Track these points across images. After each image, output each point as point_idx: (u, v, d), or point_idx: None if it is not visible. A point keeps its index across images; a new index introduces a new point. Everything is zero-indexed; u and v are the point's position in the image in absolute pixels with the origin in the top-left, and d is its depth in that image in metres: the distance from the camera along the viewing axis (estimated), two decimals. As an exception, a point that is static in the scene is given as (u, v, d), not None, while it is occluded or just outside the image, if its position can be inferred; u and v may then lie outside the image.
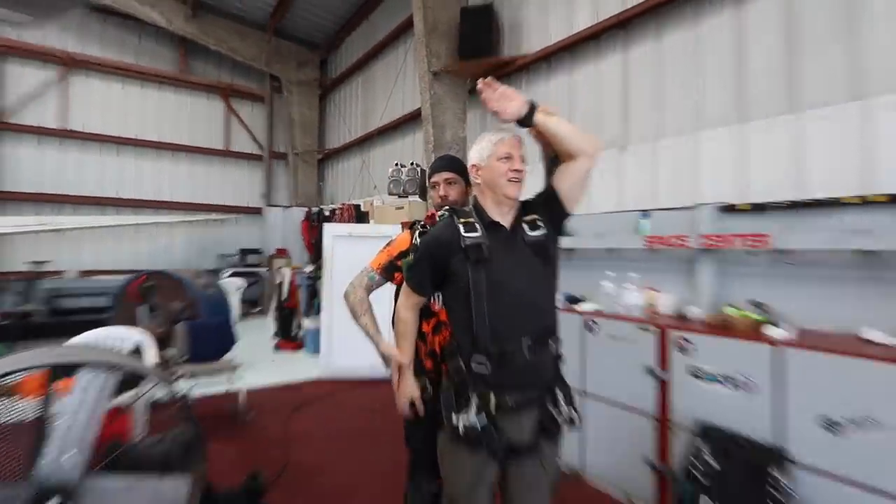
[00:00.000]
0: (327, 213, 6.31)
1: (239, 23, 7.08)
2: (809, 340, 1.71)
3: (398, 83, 5.79)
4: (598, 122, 3.13)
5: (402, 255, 1.37)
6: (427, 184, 1.42)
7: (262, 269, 7.40)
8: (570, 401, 1.17)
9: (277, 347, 5.16)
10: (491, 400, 1.10)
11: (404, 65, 5.64)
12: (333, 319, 4.03)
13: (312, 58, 7.89)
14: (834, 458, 1.51)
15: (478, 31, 3.89)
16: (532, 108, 1.11)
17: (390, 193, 4.86)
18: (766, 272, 2.15)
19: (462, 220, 1.18)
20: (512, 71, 3.79)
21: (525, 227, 1.18)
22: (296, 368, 4.30)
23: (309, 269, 5.58)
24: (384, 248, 1.42)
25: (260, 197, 8.29)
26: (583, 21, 3.23)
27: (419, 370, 1.29)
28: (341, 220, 5.57)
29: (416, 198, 4.61)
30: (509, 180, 1.16)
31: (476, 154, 1.21)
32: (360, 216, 5.59)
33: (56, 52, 6.38)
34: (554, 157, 1.19)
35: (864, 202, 1.85)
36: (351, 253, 4.08)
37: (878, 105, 1.91)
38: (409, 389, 1.24)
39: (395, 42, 5.85)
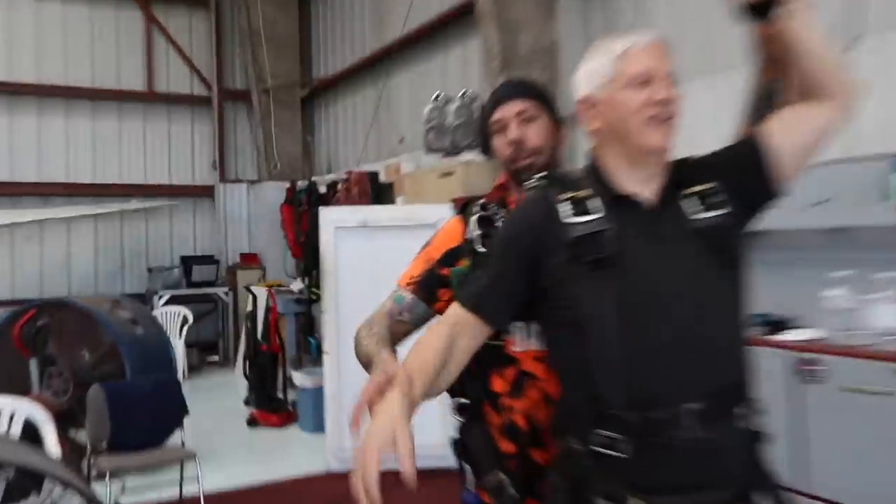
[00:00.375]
0: (323, 190, 6.57)
1: None
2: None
3: None
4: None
5: (450, 257, 1.42)
6: (489, 128, 1.51)
7: (221, 290, 7.65)
8: None
9: (253, 421, 5.46)
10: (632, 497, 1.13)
11: None
12: (343, 370, 4.28)
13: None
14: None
15: None
16: None
17: (429, 150, 5.07)
18: None
19: (566, 194, 1.23)
20: None
21: (689, 203, 1.22)
22: (286, 458, 4.50)
23: (297, 286, 5.88)
24: (421, 250, 1.51)
25: (209, 168, 8.71)
26: None
27: (491, 456, 1.35)
28: (348, 201, 5.84)
29: (476, 154, 4.75)
30: (650, 120, 1.18)
31: (587, 78, 1.25)
32: (381, 191, 5.82)
33: None
34: (768, 94, 1.24)
35: None
36: (368, 256, 4.32)
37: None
38: (387, 428, 1.04)
39: None
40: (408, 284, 1.46)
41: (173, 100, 8.77)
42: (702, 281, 1.21)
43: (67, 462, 2.64)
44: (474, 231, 1.39)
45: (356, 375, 4.00)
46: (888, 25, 2.98)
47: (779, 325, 2.71)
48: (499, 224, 1.36)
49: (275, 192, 7.98)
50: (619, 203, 1.22)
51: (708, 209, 1.22)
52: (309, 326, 5.45)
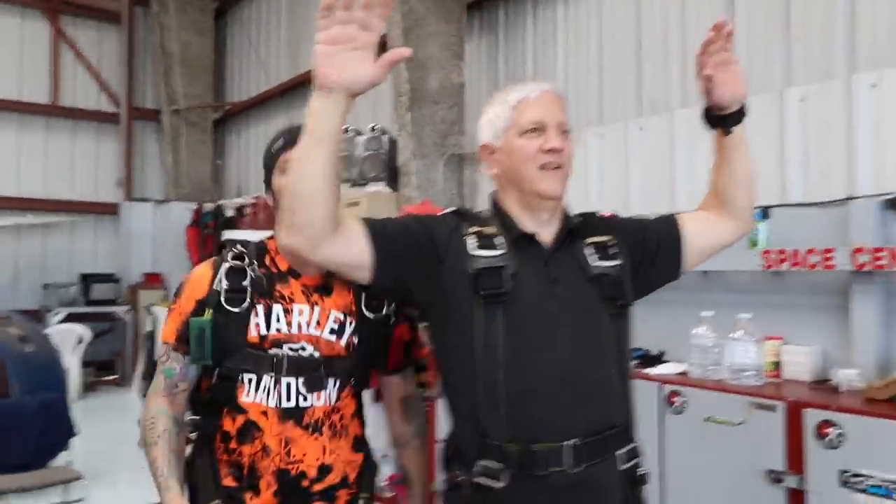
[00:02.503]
0: (231, 214, 6.35)
1: None
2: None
3: None
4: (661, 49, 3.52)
5: (199, 309, 1.26)
6: (274, 163, 1.38)
7: (121, 309, 7.29)
8: None
9: None
10: None
11: None
12: None
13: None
14: None
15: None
16: (745, 109, 1.21)
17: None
18: None
19: (474, 227, 1.18)
20: None
21: (588, 250, 1.21)
22: None
23: None
24: (174, 300, 1.35)
25: (114, 185, 8.15)
26: None
27: (211, 486, 1.24)
28: (255, 225, 5.60)
29: (382, 185, 4.65)
30: (542, 168, 1.16)
31: (486, 126, 1.23)
32: None
33: None
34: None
35: None
36: None
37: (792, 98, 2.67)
38: None
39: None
40: (173, 339, 1.28)
41: (79, 115, 8.26)
42: (590, 324, 1.19)
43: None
44: (222, 283, 1.23)
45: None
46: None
47: (650, 358, 2.76)
48: (250, 277, 1.22)
49: (181, 212, 7.46)
50: (520, 243, 1.19)
51: (603, 259, 1.22)
52: (213, 347, 4.90)
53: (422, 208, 3.91)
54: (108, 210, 8.07)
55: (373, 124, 4.87)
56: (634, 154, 3.44)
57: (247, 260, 1.28)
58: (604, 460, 1.14)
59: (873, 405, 2.10)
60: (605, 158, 3.61)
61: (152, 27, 7.95)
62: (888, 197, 2.43)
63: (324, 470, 1.25)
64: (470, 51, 4.56)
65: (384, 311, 1.29)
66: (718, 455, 2.26)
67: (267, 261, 1.28)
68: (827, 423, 2.01)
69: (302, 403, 1.22)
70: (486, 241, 1.18)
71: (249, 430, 1.24)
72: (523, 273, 1.16)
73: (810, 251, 2.50)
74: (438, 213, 1.29)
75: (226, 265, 1.27)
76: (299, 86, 6.61)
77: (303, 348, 1.23)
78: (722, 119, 1.19)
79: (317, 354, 1.25)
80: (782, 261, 2.59)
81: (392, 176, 4.81)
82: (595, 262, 1.21)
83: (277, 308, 1.22)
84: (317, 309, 1.24)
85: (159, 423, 1.27)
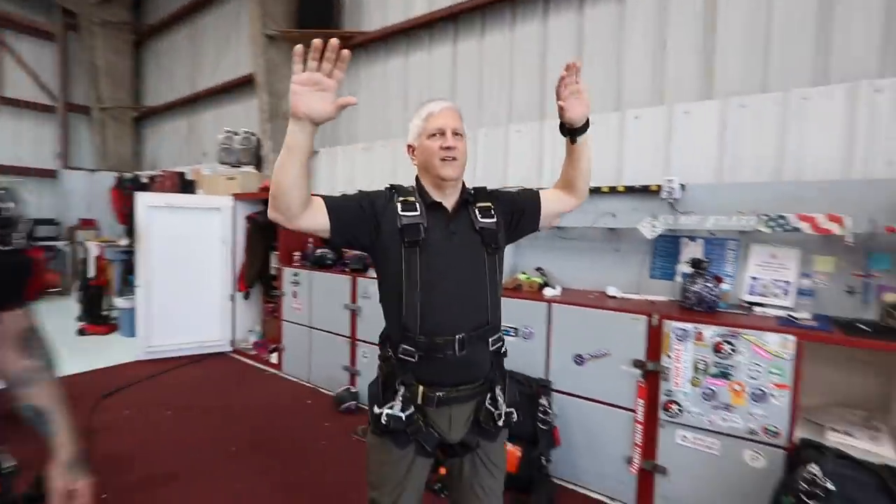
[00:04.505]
0: (144, 181, 6.36)
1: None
2: (570, 297, 2.51)
3: (232, 42, 6.14)
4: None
5: None
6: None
7: (61, 243, 7.20)
8: (511, 398, 1.25)
9: (83, 332, 5.32)
10: (419, 391, 1.17)
11: (237, 23, 6.01)
12: (152, 296, 4.51)
13: (120, -6, 7.94)
14: (579, 383, 2.34)
15: (318, -2, 4.43)
16: (588, 123, 1.19)
17: (221, 162, 5.11)
18: (547, 245, 2.99)
19: (401, 198, 1.21)
20: (352, 46, 4.27)
21: (476, 211, 1.24)
22: (108, 353, 4.50)
23: (124, 241, 5.76)
24: None
25: (53, 157, 7.92)
26: (419, 8, 3.97)
27: None
28: (162, 189, 5.79)
29: (251, 168, 5.10)
30: (442, 160, 1.19)
31: (411, 131, 1.25)
32: (187, 185, 5.88)
33: None
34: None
35: (613, 191, 2.71)
36: (171, 226, 4.46)
37: (628, 117, 2.85)
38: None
39: (227, -5, 6.42)
40: None
41: (22, 105, 7.71)
42: (474, 261, 1.21)
43: None
44: None
45: (161, 297, 4.19)
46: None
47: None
48: None
49: (108, 179, 7.35)
50: (431, 208, 1.22)
51: (485, 218, 1.24)
52: (130, 269, 5.31)
53: None
54: (48, 175, 7.76)
55: (245, 129, 5.27)
56: (510, 149, 3.42)
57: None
58: (480, 345, 1.20)
59: (505, 291, 2.47)
60: (488, 151, 3.52)
61: (83, 47, 7.74)
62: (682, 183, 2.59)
63: None
64: None
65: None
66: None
67: None
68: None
69: None
70: (408, 206, 1.21)
71: None
72: (432, 228, 1.20)
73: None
74: (381, 189, 1.28)
75: None
76: (195, 100, 6.85)
77: None
78: (571, 132, 1.20)
79: None
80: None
81: (258, 162, 5.22)
82: (480, 220, 1.24)
83: None
84: None
85: None
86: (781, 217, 2.29)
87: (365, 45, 4.45)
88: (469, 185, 1.31)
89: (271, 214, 1.06)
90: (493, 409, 1.21)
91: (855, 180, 2.34)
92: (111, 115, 7.83)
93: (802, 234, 2.29)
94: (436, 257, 1.18)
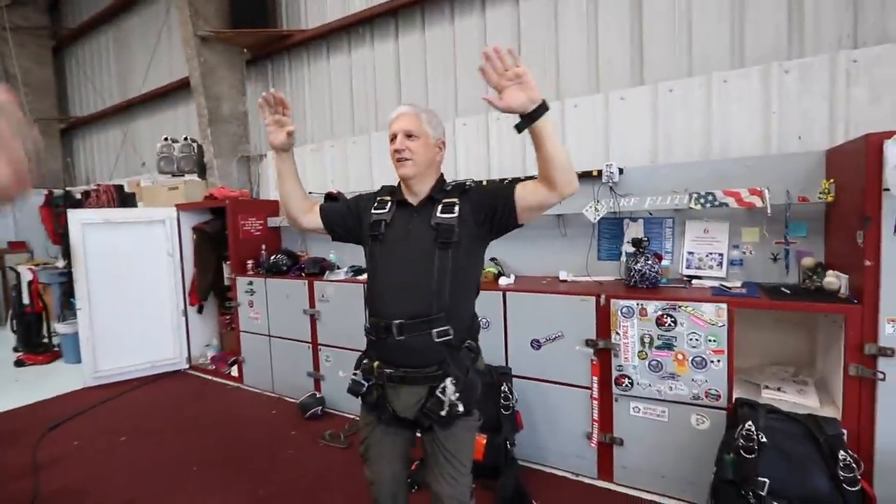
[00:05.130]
0: (78, 197, 5.98)
1: None
2: (523, 284, 2.54)
3: (162, 44, 5.88)
4: (374, 105, 3.96)
5: None
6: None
7: None
8: (463, 389, 1.25)
9: (21, 363, 5.06)
10: (374, 366, 1.31)
11: (166, 23, 5.80)
12: (96, 318, 4.24)
13: (33, -4, 7.34)
14: (537, 366, 2.38)
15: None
16: (542, 108, 1.07)
17: (161, 172, 5.02)
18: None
19: (380, 197, 1.38)
20: (291, 45, 4.30)
21: (439, 207, 1.28)
22: (51, 383, 4.27)
23: (61, 263, 5.43)
24: None
25: None
26: (358, 3, 3.89)
27: None
28: (98, 204, 5.47)
29: (194, 176, 4.87)
30: (397, 161, 1.28)
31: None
32: (126, 199, 5.62)
33: None
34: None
35: None
36: (110, 244, 4.22)
37: (567, 105, 2.88)
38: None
39: (151, -6, 6.08)
40: None
41: None
42: (422, 253, 1.26)
43: None
44: None
45: (105, 318, 3.92)
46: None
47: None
48: None
49: (38, 197, 6.76)
50: (400, 205, 1.34)
51: (445, 213, 1.27)
52: (70, 291, 4.99)
53: (221, 192, 4.42)
54: (-32, 196, 7.06)
55: (185, 136, 5.06)
56: (458, 143, 3.45)
57: None
58: (420, 334, 1.24)
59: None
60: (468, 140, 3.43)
61: (-2, 55, 7.31)
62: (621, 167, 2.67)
63: None
64: (251, 90, 4.88)
65: None
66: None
67: None
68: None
69: None
70: (380, 205, 1.35)
71: None
72: (395, 223, 1.31)
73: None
74: (374, 192, 1.44)
75: None
76: (128, 107, 6.53)
77: None
78: (522, 119, 1.10)
79: None
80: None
81: (201, 170, 5.01)
82: (437, 216, 1.27)
83: None
84: None
85: None
86: (710, 194, 2.42)
87: (305, 43, 4.35)
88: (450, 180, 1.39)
89: (286, 220, 1.43)
90: (440, 397, 1.24)
91: (772, 155, 2.52)
92: (39, 128, 7.31)
93: (729, 209, 2.44)
94: (389, 250, 1.29)
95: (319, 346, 3.52)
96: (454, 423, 1.29)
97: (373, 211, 1.35)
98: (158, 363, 4.59)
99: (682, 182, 2.53)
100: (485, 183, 1.69)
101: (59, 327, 5.09)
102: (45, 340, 5.32)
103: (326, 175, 4.37)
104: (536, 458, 2.53)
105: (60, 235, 5.48)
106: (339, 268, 3.78)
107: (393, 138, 1.29)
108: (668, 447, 2.16)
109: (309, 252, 4.21)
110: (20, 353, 5.16)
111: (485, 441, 2.29)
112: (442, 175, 1.40)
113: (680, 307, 2.12)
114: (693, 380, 2.11)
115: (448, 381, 1.25)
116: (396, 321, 1.26)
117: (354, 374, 1.35)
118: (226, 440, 3.02)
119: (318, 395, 3.45)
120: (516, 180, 1.30)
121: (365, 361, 1.35)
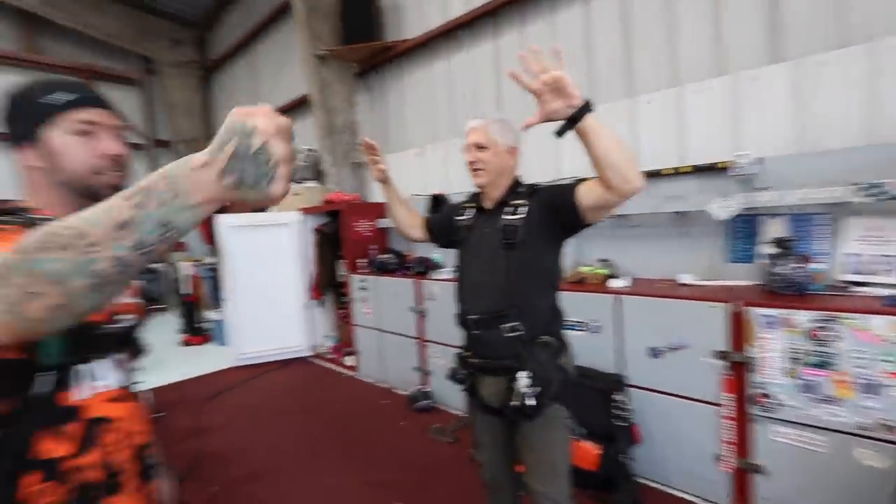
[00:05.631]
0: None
1: (95, -4, 7.32)
2: (639, 288, 2.36)
3: (286, 65, 6.26)
4: (473, 107, 3.98)
5: None
6: (47, 118, 0.73)
7: (159, 265, 7.88)
8: (540, 384, 1.24)
9: (186, 343, 5.76)
10: (466, 355, 1.41)
11: (289, 46, 6.08)
12: (238, 308, 4.87)
13: (188, 36, 8.17)
14: (656, 377, 2.19)
15: (359, 12, 4.43)
16: (584, 110, 1.02)
17: None
18: (609, 234, 2.85)
19: (464, 205, 1.47)
20: (394, 55, 4.44)
21: (507, 210, 1.32)
22: (207, 361, 4.84)
23: (212, 260, 6.19)
24: None
25: None
26: (457, 9, 3.91)
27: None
28: (238, 210, 6.01)
29: (314, 183, 5.23)
30: (473, 171, 1.37)
31: None
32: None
33: None
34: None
35: (677, 173, 2.57)
36: (249, 242, 4.79)
37: (687, 91, 2.62)
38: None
39: (276, 22, 6.33)
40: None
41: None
42: (493, 254, 1.33)
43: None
44: None
45: (246, 308, 4.42)
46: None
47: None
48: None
49: None
50: (479, 210, 1.44)
51: (511, 215, 1.30)
52: (217, 284, 5.69)
53: (337, 196, 4.70)
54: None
55: (307, 147, 5.44)
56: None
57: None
58: (491, 328, 1.32)
59: (569, 285, 2.54)
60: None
61: (160, 87, 8.32)
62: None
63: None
64: (360, 101, 5.10)
65: None
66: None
67: None
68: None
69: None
70: (464, 211, 1.46)
71: (94, 431, 0.73)
72: (474, 228, 1.40)
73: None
74: (459, 202, 1.56)
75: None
76: None
77: None
78: (564, 123, 1.05)
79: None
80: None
81: (319, 177, 5.36)
82: (504, 218, 1.32)
83: None
84: None
85: None
86: (880, 184, 2.00)
87: (408, 52, 4.43)
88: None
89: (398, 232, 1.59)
90: (514, 388, 1.26)
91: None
92: (189, 146, 8.26)
93: (907, 202, 1.99)
94: (469, 252, 1.41)
95: (427, 342, 3.58)
96: (536, 417, 1.28)
97: (457, 218, 1.46)
98: (287, 349, 5.10)
99: (838, 171, 2.15)
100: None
101: (211, 314, 5.92)
102: (200, 325, 6.18)
103: (429, 178, 4.38)
104: (657, 476, 2.34)
105: (210, 236, 6.33)
106: (442, 267, 3.84)
107: (466, 150, 1.37)
108: (826, 482, 1.85)
109: (414, 252, 4.31)
110: (185, 335, 6.07)
111: (599, 451, 2.18)
112: (516, 179, 1.43)
113: (840, 319, 1.79)
114: (861, 406, 1.77)
115: (521, 374, 1.26)
116: (473, 317, 1.35)
117: (453, 364, 1.45)
118: (343, 425, 3.22)
119: (425, 390, 3.53)
120: (582, 180, 1.24)
121: (460, 352, 1.44)
